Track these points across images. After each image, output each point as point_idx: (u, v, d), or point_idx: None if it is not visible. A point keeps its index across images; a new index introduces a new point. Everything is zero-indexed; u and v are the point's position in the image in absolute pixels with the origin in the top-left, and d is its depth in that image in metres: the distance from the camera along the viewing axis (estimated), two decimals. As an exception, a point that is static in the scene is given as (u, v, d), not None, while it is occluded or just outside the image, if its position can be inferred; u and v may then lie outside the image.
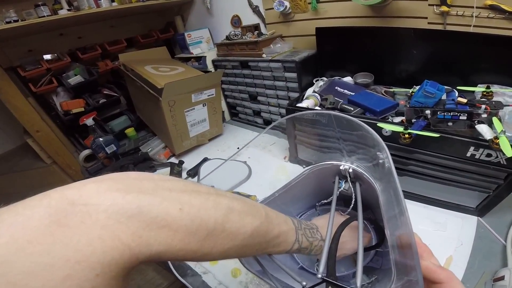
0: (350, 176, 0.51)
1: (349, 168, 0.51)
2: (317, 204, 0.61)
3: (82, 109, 1.28)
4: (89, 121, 1.25)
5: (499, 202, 0.66)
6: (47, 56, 1.22)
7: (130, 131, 1.37)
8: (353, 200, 0.51)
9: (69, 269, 0.17)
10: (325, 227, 0.41)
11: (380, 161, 0.44)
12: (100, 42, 1.35)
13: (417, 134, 0.62)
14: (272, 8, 1.09)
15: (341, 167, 0.51)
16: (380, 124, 0.66)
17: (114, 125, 1.41)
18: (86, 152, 1.34)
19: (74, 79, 1.26)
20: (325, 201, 0.57)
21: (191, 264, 0.73)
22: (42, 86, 1.19)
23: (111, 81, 1.50)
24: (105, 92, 1.39)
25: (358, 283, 0.30)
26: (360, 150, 0.50)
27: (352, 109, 0.77)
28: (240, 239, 0.28)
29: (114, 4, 1.17)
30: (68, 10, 1.07)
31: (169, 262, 0.71)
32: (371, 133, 0.41)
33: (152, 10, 1.50)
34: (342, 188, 0.52)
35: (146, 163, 1.21)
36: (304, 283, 0.34)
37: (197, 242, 0.24)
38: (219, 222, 0.26)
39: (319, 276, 0.32)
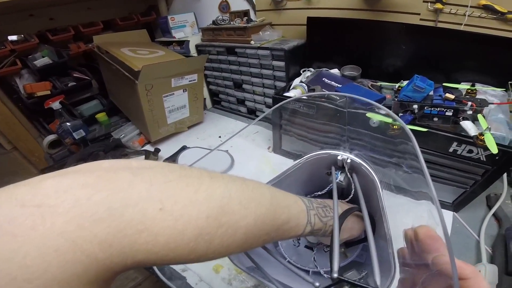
0: (347, 167, 0.49)
1: (347, 158, 0.48)
2: (308, 196, 0.59)
3: (48, 92, 1.16)
4: (55, 105, 1.15)
5: (474, 198, 0.68)
6: (13, 37, 1.10)
7: (101, 116, 1.28)
8: (352, 191, 0.49)
9: None
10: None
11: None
12: (74, 24, 1.25)
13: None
14: (264, -5, 1.05)
15: (338, 157, 0.49)
16: (369, 114, 0.65)
17: (84, 109, 1.30)
18: (51, 137, 1.24)
19: (41, 61, 1.15)
20: (319, 193, 0.54)
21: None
22: (4, 67, 1.08)
23: (83, 64, 1.39)
24: (75, 75, 1.27)
25: (378, 281, 0.28)
26: (365, 139, 0.47)
27: (339, 98, 0.75)
28: (242, 232, 0.24)
29: None
30: None
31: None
32: (399, 122, 0.37)
33: None
34: (338, 180, 0.50)
35: (118, 151, 1.13)
36: (317, 284, 0.31)
37: (187, 244, 0.20)
38: (213, 216, 0.22)
39: (335, 276, 0.29)
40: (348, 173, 0.50)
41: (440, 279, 0.26)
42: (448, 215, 0.72)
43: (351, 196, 0.49)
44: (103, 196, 0.17)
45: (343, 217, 0.39)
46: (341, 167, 0.51)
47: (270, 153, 1.02)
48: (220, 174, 0.26)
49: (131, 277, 1.03)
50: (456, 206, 0.72)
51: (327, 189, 0.52)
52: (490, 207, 0.71)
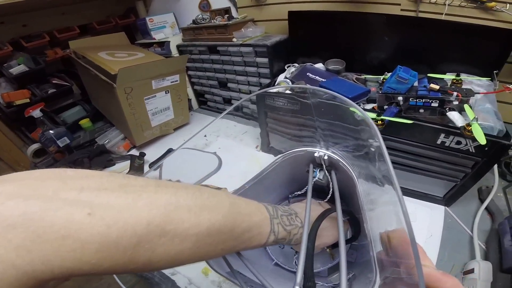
0: (325, 164, 0.47)
1: (324, 155, 0.46)
2: (290, 196, 0.57)
3: (28, 100, 1.13)
4: (36, 113, 1.12)
5: (465, 192, 0.66)
6: None
7: (85, 122, 1.25)
8: (331, 190, 0.47)
9: None
10: (303, 213, 0.36)
11: (372, 149, 0.40)
12: (49, 30, 1.21)
13: (389, 121, 0.59)
14: (244, -9, 1.02)
15: (315, 154, 0.47)
16: (352, 109, 0.62)
17: (67, 116, 1.27)
18: (35, 146, 1.21)
19: (17, 69, 1.11)
20: (298, 192, 0.53)
21: None
22: None
23: (62, 70, 1.35)
24: (54, 81, 1.24)
25: (344, 284, 0.26)
26: (339, 134, 0.46)
27: (323, 93, 0.73)
28: (192, 240, 0.22)
29: None
30: None
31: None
32: (362, 113, 0.35)
33: None
34: (316, 178, 0.48)
35: (103, 156, 1.10)
36: None
37: (124, 252, 0.19)
38: (154, 224, 0.20)
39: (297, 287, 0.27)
40: (327, 171, 0.47)
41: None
42: (439, 209, 0.70)
43: (329, 196, 0.47)
44: (19, 201, 0.16)
45: (318, 220, 0.36)
46: (319, 164, 0.48)
47: (259, 152, 1.00)
48: (173, 183, 0.24)
49: (124, 280, 1.00)
50: (448, 200, 0.70)
51: (305, 188, 0.50)
52: (482, 201, 0.69)
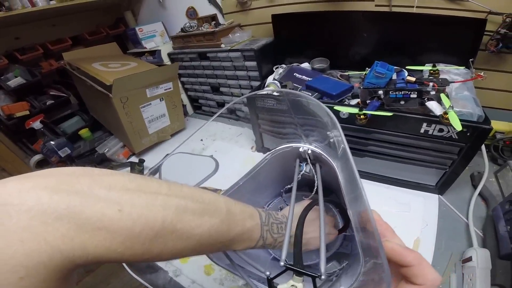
0: (310, 158, 0.49)
1: (308, 149, 0.49)
2: (281, 190, 0.59)
3: (27, 112, 1.16)
4: (36, 124, 1.16)
5: (456, 178, 0.67)
6: None
7: (84, 132, 1.27)
8: (316, 183, 0.49)
9: None
10: (296, 217, 0.39)
11: (331, 140, 0.42)
12: (42, 42, 1.24)
13: (372, 115, 0.61)
14: (228, -3, 1.05)
15: (300, 149, 0.49)
16: (336, 107, 0.65)
17: (66, 126, 1.30)
18: (37, 157, 1.24)
19: (14, 81, 1.14)
20: (289, 186, 0.55)
21: (161, 264, 0.69)
22: None
23: (58, 81, 1.38)
24: (52, 93, 1.27)
25: (322, 269, 0.28)
26: (314, 130, 0.48)
27: (310, 94, 0.75)
28: (195, 239, 0.26)
29: (53, 2, 1.07)
30: None
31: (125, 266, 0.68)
32: (322, 108, 0.39)
33: (98, 6, 1.39)
34: (303, 171, 0.50)
35: (104, 165, 1.13)
36: (267, 273, 0.32)
37: (142, 244, 0.22)
38: (168, 221, 0.23)
39: (282, 264, 0.30)
40: (312, 164, 0.49)
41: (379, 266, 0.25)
42: (433, 198, 0.71)
43: (315, 189, 0.49)
44: (63, 196, 0.19)
45: (304, 211, 0.39)
46: (305, 159, 0.50)
47: (254, 153, 1.02)
48: (180, 185, 0.28)
49: (134, 285, 1.03)
50: (440, 188, 0.71)
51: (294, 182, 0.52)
52: (475, 187, 0.70)
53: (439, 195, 0.71)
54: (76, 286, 0.24)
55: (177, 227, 0.24)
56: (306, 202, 0.47)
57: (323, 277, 0.28)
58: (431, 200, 0.70)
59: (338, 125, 0.32)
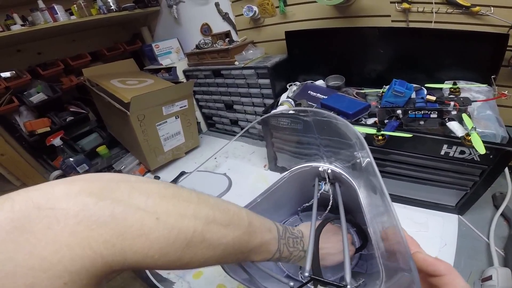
0: (329, 177, 0.50)
1: (328, 169, 0.49)
2: (298, 209, 0.59)
3: (48, 129, 1.20)
4: (57, 141, 1.19)
5: (477, 199, 0.65)
6: (5, 74, 1.14)
7: (102, 149, 1.30)
8: (331, 202, 0.50)
9: (32, 278, 0.16)
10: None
11: (358, 160, 0.43)
12: (62, 57, 1.29)
13: (390, 135, 0.60)
14: (242, 14, 1.07)
15: (320, 169, 0.50)
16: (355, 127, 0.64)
17: (85, 143, 1.34)
18: (56, 173, 1.27)
19: (37, 97, 1.19)
20: (306, 204, 0.55)
21: (174, 279, 0.69)
22: (2, 105, 1.11)
23: (77, 97, 1.43)
24: (71, 109, 1.32)
25: (348, 279, 0.29)
26: (338, 150, 0.49)
27: (323, 113, 0.74)
28: (221, 249, 0.27)
29: (73, 17, 1.11)
30: (22, 25, 1.01)
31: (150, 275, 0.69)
32: (350, 128, 0.40)
33: (116, 22, 1.45)
34: (322, 190, 0.51)
35: (120, 182, 1.15)
36: (291, 284, 0.34)
37: (176, 252, 0.23)
38: (198, 231, 0.25)
39: (306, 274, 0.31)
40: (331, 183, 0.50)
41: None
42: (452, 218, 0.69)
43: (329, 207, 0.49)
44: (108, 203, 0.20)
45: (319, 227, 0.41)
46: (324, 178, 0.51)
47: (267, 171, 1.02)
48: (207, 195, 0.29)
49: None
50: (460, 208, 0.68)
51: (311, 201, 0.53)
52: (497, 207, 0.68)
53: (459, 215, 0.69)
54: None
55: (206, 237, 0.25)
56: (318, 222, 0.47)
57: (349, 286, 0.29)
58: (450, 220, 0.69)
59: (366, 144, 0.34)
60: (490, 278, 0.51)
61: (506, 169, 0.71)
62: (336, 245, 0.45)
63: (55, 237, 0.17)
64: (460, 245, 0.62)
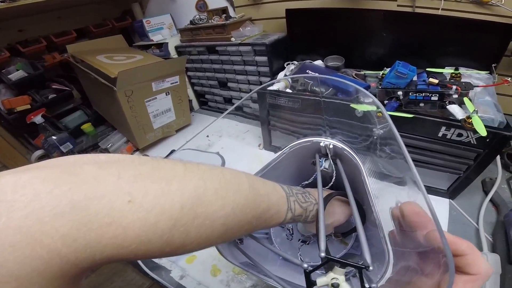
0: (330, 153, 0.48)
1: (330, 144, 0.47)
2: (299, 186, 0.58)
3: (28, 107, 1.13)
4: (38, 119, 1.12)
5: (469, 184, 0.66)
6: None
7: (87, 127, 1.24)
8: (333, 178, 0.48)
9: None
10: (315, 192, 0.37)
11: (375, 136, 0.41)
12: (46, 34, 1.21)
13: (390, 115, 0.59)
14: (240, -10, 1.02)
15: (321, 144, 0.48)
16: (353, 105, 0.63)
17: (68, 121, 1.27)
18: (38, 153, 1.21)
19: (16, 75, 1.11)
20: (306, 182, 0.53)
21: (166, 265, 0.68)
22: None
23: (61, 75, 1.35)
24: (54, 86, 1.24)
25: (368, 259, 0.26)
26: (343, 122, 0.47)
27: (324, 90, 0.73)
28: (220, 222, 0.23)
29: None
30: (2, 1, 0.92)
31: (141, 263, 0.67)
32: (366, 93, 0.36)
33: None
34: (322, 167, 0.48)
35: (106, 160, 1.11)
36: (305, 265, 0.29)
37: (160, 236, 0.19)
38: (187, 207, 0.20)
39: (322, 255, 0.27)
40: (332, 160, 0.48)
41: (434, 256, 0.24)
42: (444, 202, 0.70)
43: (332, 183, 0.48)
44: (65, 189, 0.16)
45: (325, 201, 0.38)
46: (325, 154, 0.49)
47: (261, 150, 1.00)
48: (196, 164, 0.25)
49: (138, 283, 1.01)
50: (452, 193, 0.70)
51: (313, 177, 0.51)
52: (486, 193, 0.69)
53: (450, 200, 0.70)
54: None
55: (198, 212, 0.21)
56: (326, 192, 0.46)
57: (371, 268, 0.25)
58: (442, 204, 0.70)
59: (385, 111, 0.32)
60: (480, 263, 0.53)
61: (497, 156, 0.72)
62: (339, 205, 0.44)
63: None
64: (451, 230, 0.63)
